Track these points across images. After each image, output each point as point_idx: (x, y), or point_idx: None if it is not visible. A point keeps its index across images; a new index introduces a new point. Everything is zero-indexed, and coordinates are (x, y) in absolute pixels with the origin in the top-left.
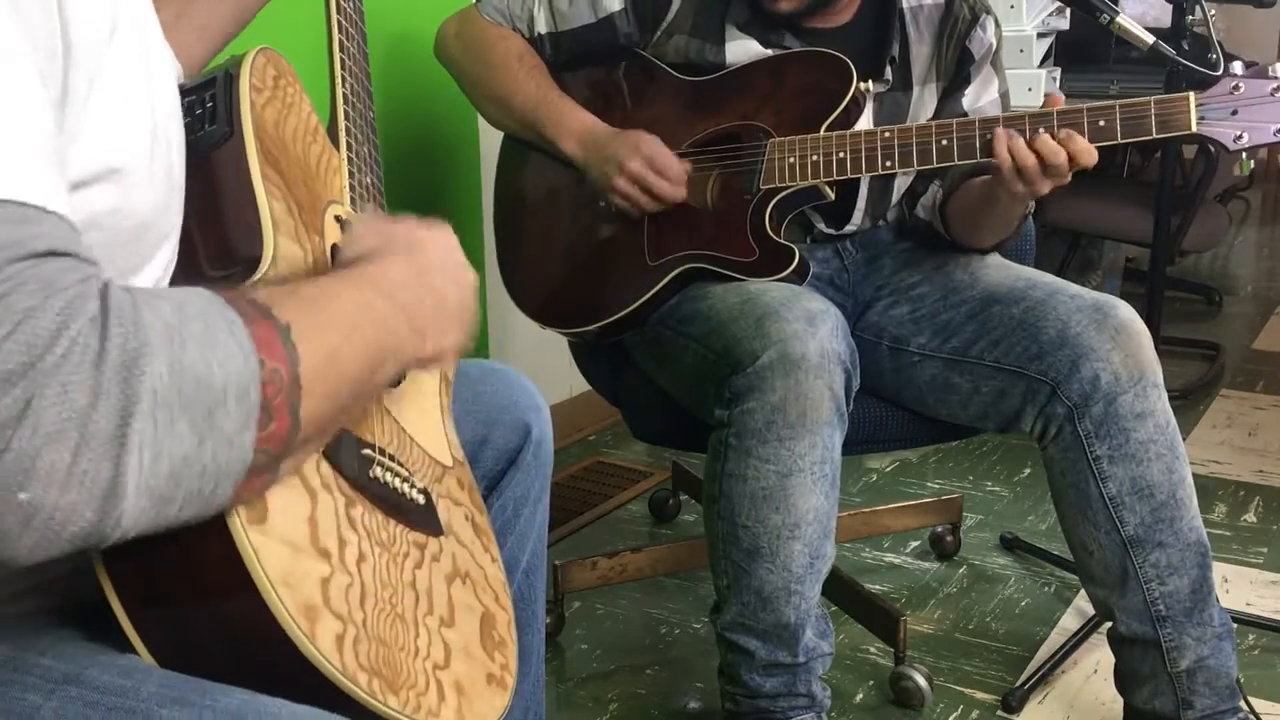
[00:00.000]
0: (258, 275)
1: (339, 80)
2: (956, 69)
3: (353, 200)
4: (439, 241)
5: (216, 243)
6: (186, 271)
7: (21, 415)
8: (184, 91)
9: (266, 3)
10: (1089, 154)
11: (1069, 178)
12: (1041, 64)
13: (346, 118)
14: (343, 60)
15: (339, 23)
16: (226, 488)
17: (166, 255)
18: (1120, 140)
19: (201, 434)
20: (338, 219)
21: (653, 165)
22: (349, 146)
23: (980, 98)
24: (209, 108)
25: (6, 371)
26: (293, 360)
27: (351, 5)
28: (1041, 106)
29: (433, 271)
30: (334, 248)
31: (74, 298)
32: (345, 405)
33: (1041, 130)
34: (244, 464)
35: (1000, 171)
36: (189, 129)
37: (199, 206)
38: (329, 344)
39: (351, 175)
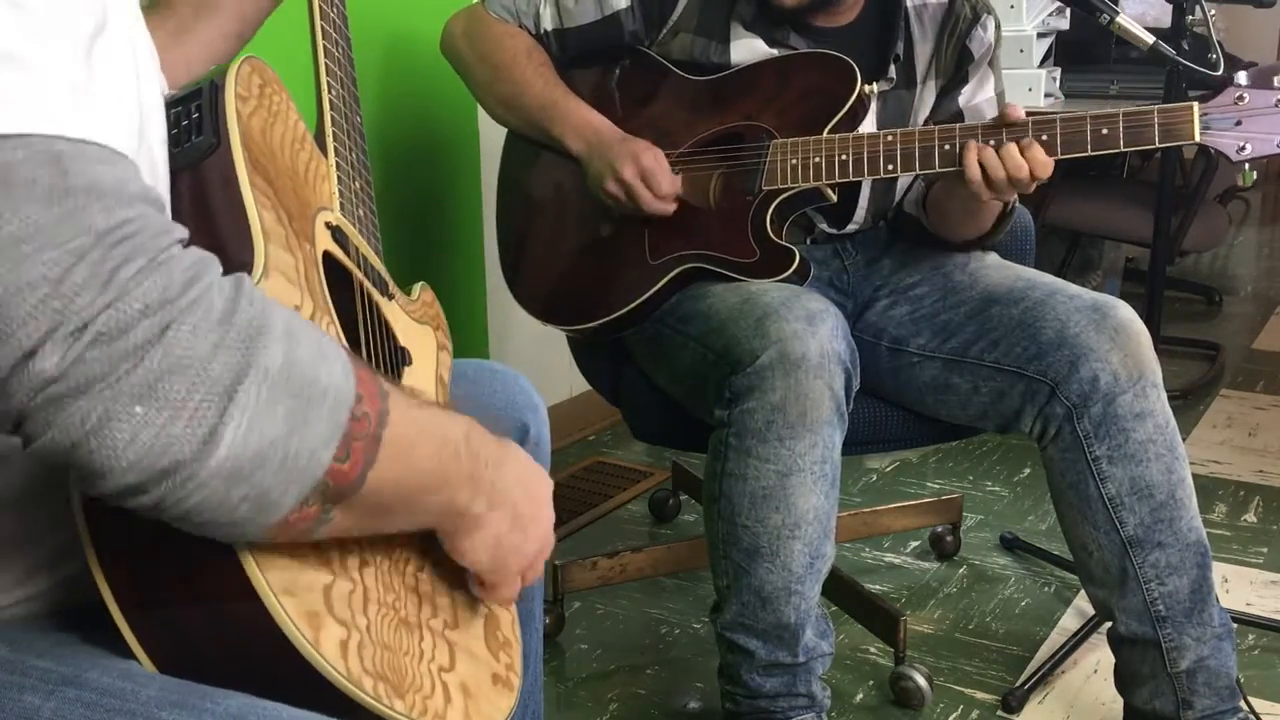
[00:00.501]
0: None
1: (325, 87)
2: (955, 67)
3: (342, 206)
4: (544, 499)
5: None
6: None
7: (156, 339)
8: (170, 103)
9: (267, 17)
10: (1045, 167)
11: (1032, 188)
12: (1041, 64)
13: (334, 124)
14: (328, 66)
15: (323, 29)
16: (290, 499)
17: None
18: (1123, 149)
19: (294, 426)
20: (328, 225)
21: (645, 178)
22: (336, 152)
23: (975, 96)
24: (195, 119)
25: (147, 302)
26: (384, 416)
27: (335, 12)
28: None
29: (523, 520)
30: (338, 247)
31: (200, 257)
32: (399, 501)
33: (1006, 140)
34: (315, 479)
35: (969, 183)
36: (175, 140)
37: (188, 217)
38: (415, 434)
39: (340, 181)
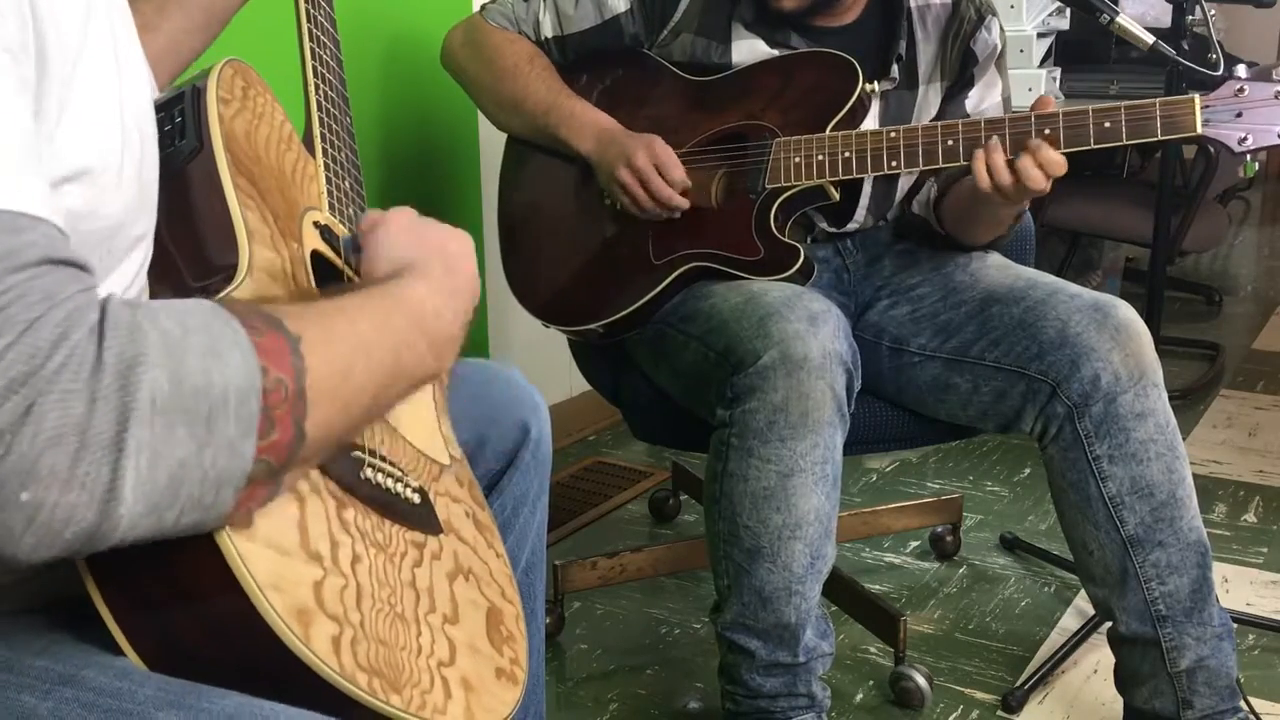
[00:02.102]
0: (234, 284)
1: (312, 87)
2: (960, 69)
3: (331, 205)
4: (464, 253)
5: (192, 255)
6: (164, 284)
7: (23, 420)
8: (154, 108)
9: (235, 11)
10: (1060, 165)
11: (1049, 187)
12: (1041, 64)
13: (322, 124)
14: (315, 67)
15: (310, 30)
16: (227, 495)
17: (138, 259)
18: (1125, 142)
19: (201, 440)
20: (316, 224)
21: (659, 166)
22: (325, 152)
23: (984, 100)
24: (178, 123)
25: (9, 379)
26: (299, 371)
27: (323, 13)
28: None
29: (457, 291)
30: (326, 246)
31: (74, 309)
32: (356, 420)
33: (1011, 137)
34: (244, 472)
35: (979, 189)
36: (159, 145)
37: (173, 220)
38: (341, 357)
39: (329, 181)
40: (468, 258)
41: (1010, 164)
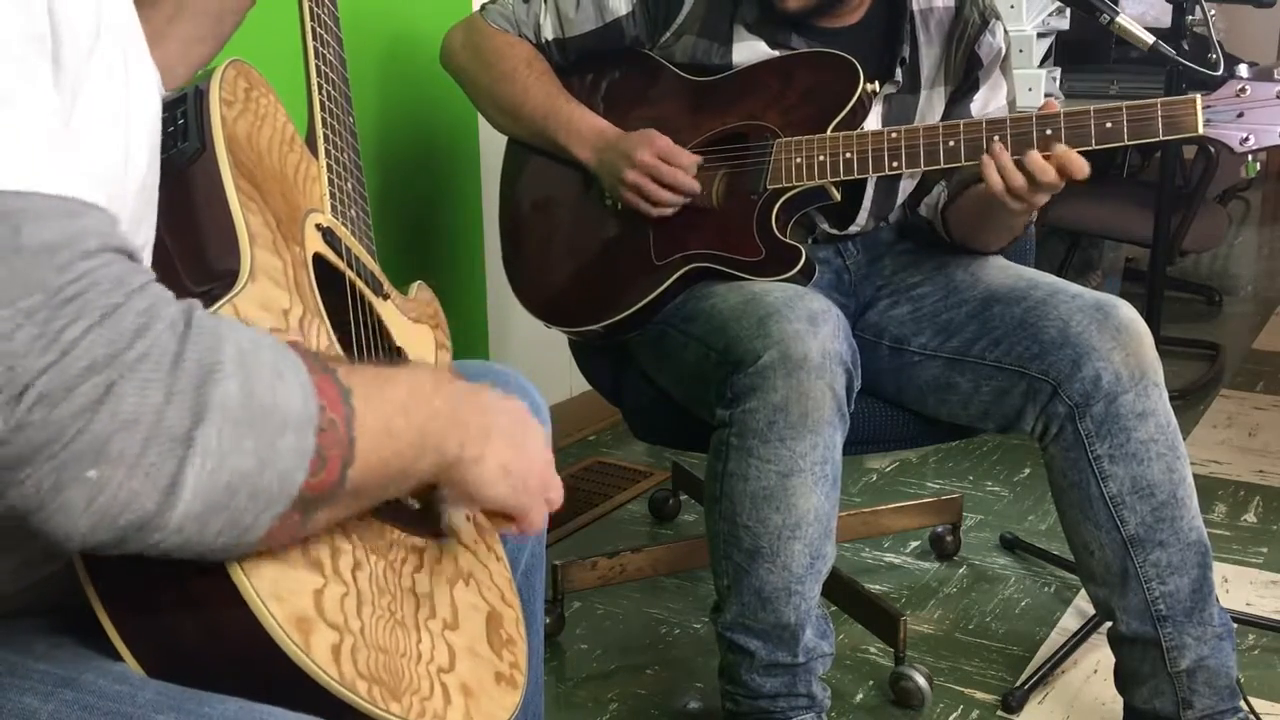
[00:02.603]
0: (236, 288)
1: (316, 88)
2: (964, 73)
3: (334, 207)
4: (498, 391)
5: (194, 258)
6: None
7: (102, 399)
8: None
9: (243, 16)
10: (1079, 166)
11: (1061, 186)
12: (1041, 64)
13: (325, 125)
14: (319, 68)
15: (314, 30)
16: (266, 519)
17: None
18: (1127, 142)
19: (262, 458)
20: (319, 227)
21: (664, 157)
22: (328, 154)
23: (989, 104)
24: (180, 125)
25: (92, 360)
26: (349, 419)
27: (326, 12)
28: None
29: (484, 392)
30: (328, 248)
31: (153, 302)
32: (388, 478)
33: (1013, 137)
34: (290, 499)
35: (992, 192)
36: (162, 148)
37: (175, 223)
38: (386, 417)
39: (332, 183)
40: (538, 439)
41: (1019, 164)
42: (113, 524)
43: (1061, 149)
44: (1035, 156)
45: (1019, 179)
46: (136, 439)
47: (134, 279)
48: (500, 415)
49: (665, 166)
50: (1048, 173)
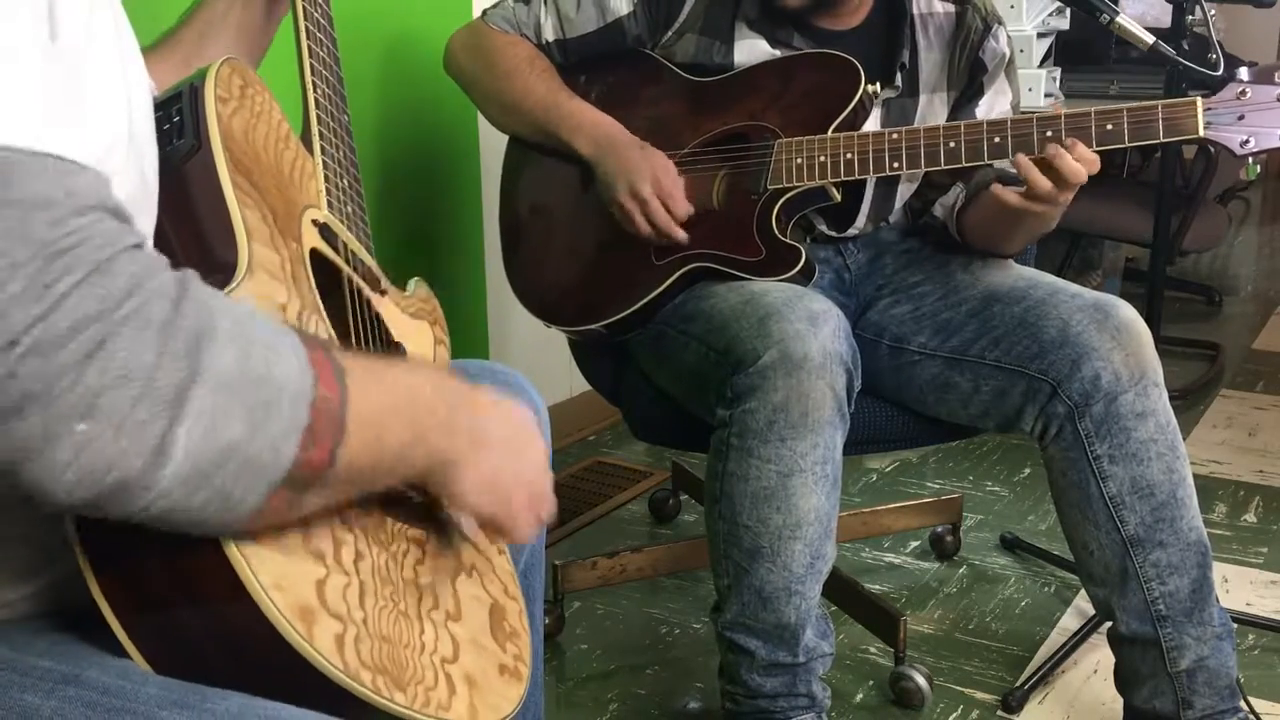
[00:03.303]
0: (234, 283)
1: (310, 86)
2: (969, 78)
3: (330, 203)
4: (503, 395)
5: (191, 252)
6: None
7: (93, 354)
8: (153, 107)
9: (273, 35)
10: (1093, 161)
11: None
12: (1041, 64)
13: (320, 122)
14: (313, 66)
15: (307, 29)
16: (254, 496)
17: None
18: (1128, 144)
19: (254, 426)
20: (315, 223)
21: (664, 199)
22: (323, 151)
23: (994, 108)
24: (176, 122)
25: (83, 313)
26: (343, 399)
27: (320, 11)
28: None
29: (484, 395)
30: (325, 244)
31: (145, 264)
32: (378, 467)
33: (1042, 140)
34: (282, 472)
35: (1038, 194)
36: (159, 144)
37: (172, 218)
38: (377, 403)
39: (327, 179)
40: (538, 451)
41: (1041, 163)
42: (98, 481)
43: (1075, 145)
44: (1066, 158)
45: (1045, 185)
46: (127, 395)
47: (126, 238)
48: (499, 425)
49: (660, 213)
50: (1080, 173)
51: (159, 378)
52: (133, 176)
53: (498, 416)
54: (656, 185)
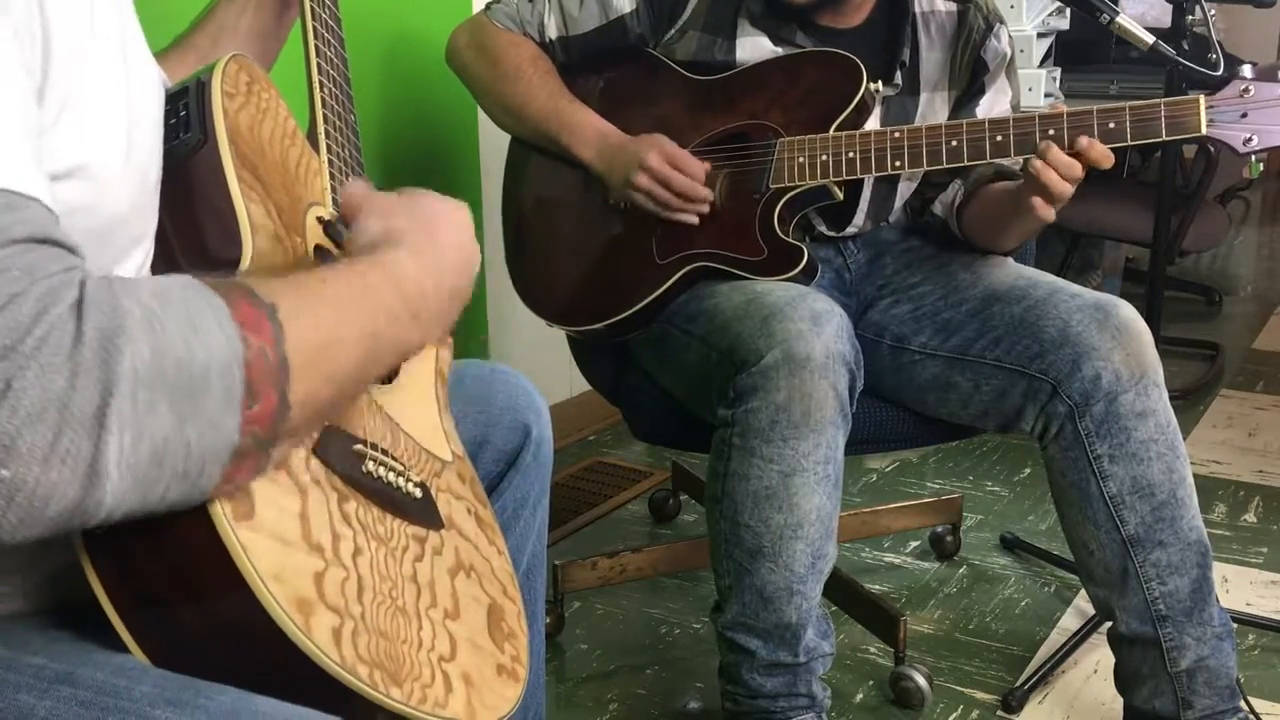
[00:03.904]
0: (237, 278)
1: (317, 84)
2: (970, 78)
3: (335, 201)
4: (454, 223)
5: (195, 248)
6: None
7: (1, 396)
8: None
9: (286, 36)
10: (1106, 156)
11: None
12: (1041, 64)
13: (326, 120)
14: (320, 65)
15: (314, 28)
16: (214, 471)
17: (139, 257)
18: (1130, 143)
19: (183, 415)
20: (320, 220)
21: (672, 162)
22: (329, 149)
23: (994, 108)
24: (183, 116)
25: None
26: (279, 339)
27: (327, 11)
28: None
29: (444, 260)
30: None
31: (56, 285)
32: (342, 388)
33: (1042, 139)
34: (230, 446)
35: (1049, 193)
36: (165, 138)
37: (177, 213)
38: (321, 325)
39: (333, 177)
40: (460, 228)
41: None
42: (40, 517)
43: (1092, 145)
44: (1060, 155)
45: (1058, 182)
46: (46, 430)
47: (49, 266)
48: (450, 272)
49: (675, 175)
50: (1075, 168)
51: (75, 400)
52: (132, 180)
53: (449, 266)
54: (660, 150)
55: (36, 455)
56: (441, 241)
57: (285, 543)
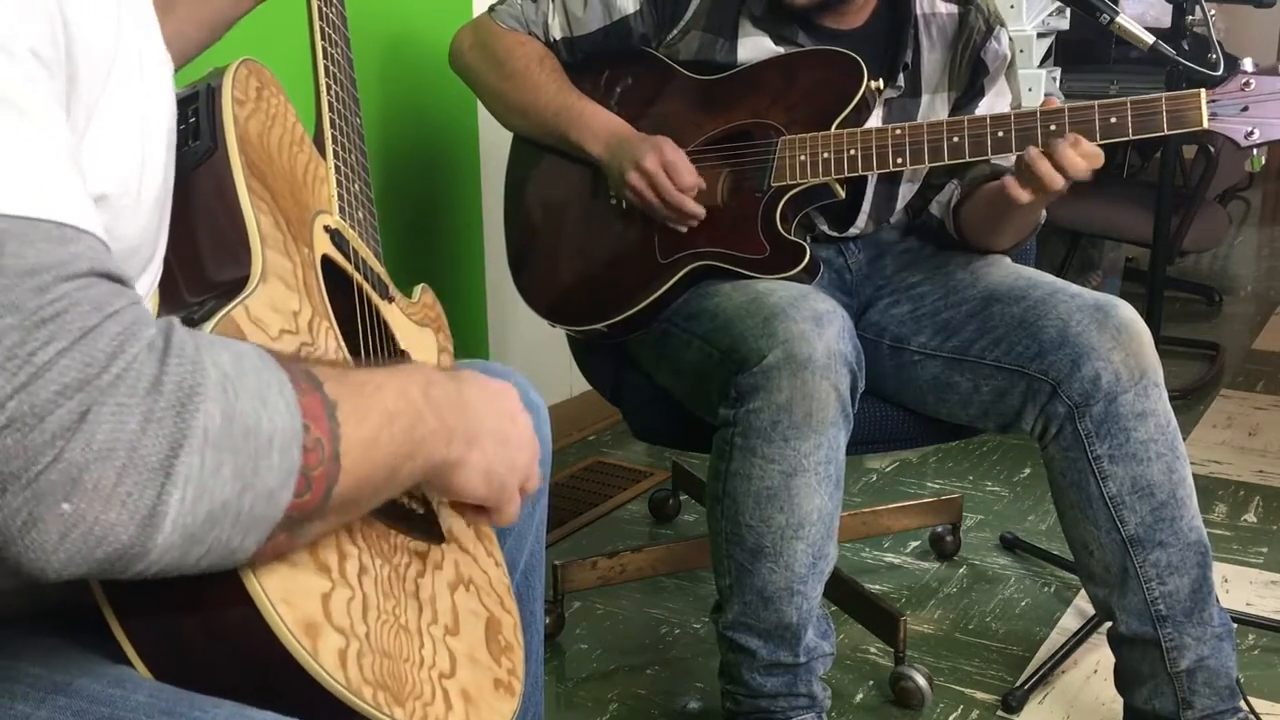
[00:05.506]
0: (247, 290)
1: (324, 89)
2: (970, 79)
3: (341, 209)
4: (525, 428)
5: (204, 259)
6: (174, 289)
7: (76, 426)
8: None
9: (236, 19)
10: (1097, 156)
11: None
12: (1041, 64)
13: (333, 125)
14: (327, 68)
15: (322, 30)
16: (251, 542)
17: (149, 280)
18: (1132, 137)
19: (245, 482)
20: (327, 229)
21: (668, 168)
22: (336, 155)
23: (993, 110)
24: (192, 123)
25: (64, 384)
26: (335, 436)
27: (335, 12)
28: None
29: (470, 390)
30: (337, 250)
31: (131, 323)
32: (373, 492)
33: (1049, 137)
34: (274, 522)
35: (1044, 185)
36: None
37: (186, 223)
38: (371, 429)
39: (339, 184)
40: (526, 431)
41: (1050, 153)
42: (89, 557)
43: (1078, 141)
44: (1069, 153)
45: (1055, 180)
46: (112, 469)
47: (115, 302)
48: (489, 416)
49: (665, 182)
50: (1078, 165)
51: (145, 445)
52: (147, 201)
53: (486, 409)
54: (660, 155)
55: (100, 493)
56: (467, 379)
57: (293, 564)
